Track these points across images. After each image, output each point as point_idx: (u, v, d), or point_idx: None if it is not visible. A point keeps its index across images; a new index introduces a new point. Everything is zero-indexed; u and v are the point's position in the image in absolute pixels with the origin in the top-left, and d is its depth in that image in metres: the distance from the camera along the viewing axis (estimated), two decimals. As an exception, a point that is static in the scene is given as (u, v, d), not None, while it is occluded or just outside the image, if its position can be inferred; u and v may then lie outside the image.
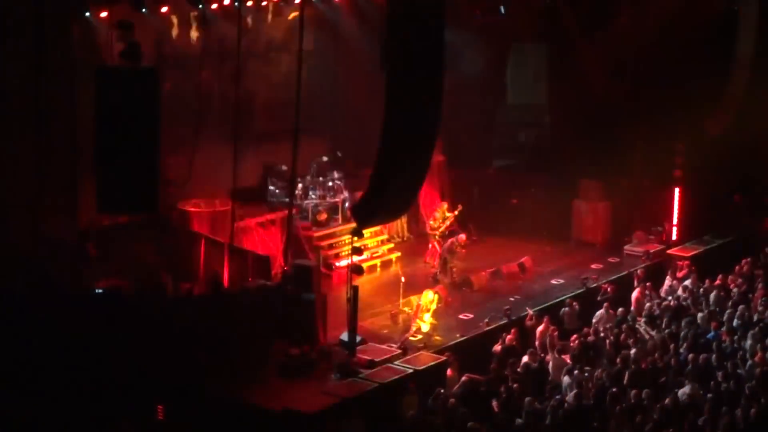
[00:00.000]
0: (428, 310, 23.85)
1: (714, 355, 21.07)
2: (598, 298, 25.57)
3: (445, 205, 29.18)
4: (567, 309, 25.02)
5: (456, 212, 28.64)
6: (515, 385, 20.05)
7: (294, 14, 27.92)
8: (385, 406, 20.34)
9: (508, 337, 22.90)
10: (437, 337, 23.61)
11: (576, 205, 31.57)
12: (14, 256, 21.61)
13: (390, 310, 24.96)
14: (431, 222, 28.85)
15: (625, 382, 20.20)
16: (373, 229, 28.38)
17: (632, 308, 24.89)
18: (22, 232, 22.14)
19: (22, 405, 20.04)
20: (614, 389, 19.50)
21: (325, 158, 29.89)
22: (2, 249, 21.46)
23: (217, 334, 21.47)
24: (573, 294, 26.23)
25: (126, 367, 20.50)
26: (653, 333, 23.00)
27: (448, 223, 28.59)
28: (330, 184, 29.10)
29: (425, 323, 23.70)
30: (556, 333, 23.18)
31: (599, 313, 24.39)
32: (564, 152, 31.89)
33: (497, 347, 22.66)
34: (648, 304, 24.80)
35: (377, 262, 28.79)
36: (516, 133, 34.46)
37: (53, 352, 20.55)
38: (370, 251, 28.47)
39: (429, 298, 24.02)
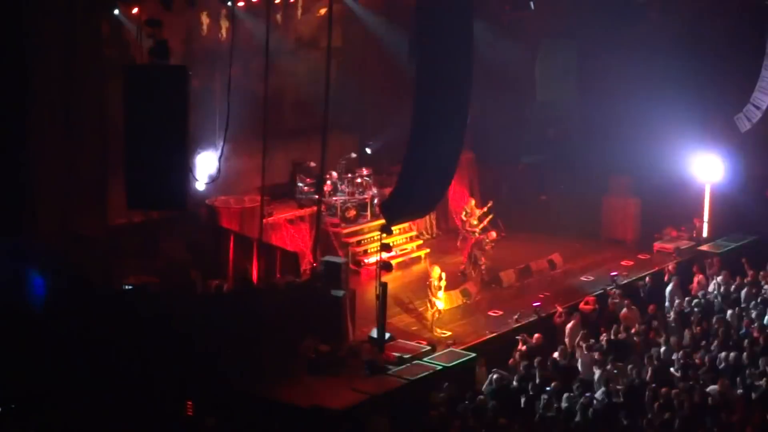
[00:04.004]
0: (440, 288, 23.98)
1: (745, 353, 20.94)
2: (642, 294, 25.62)
3: (473, 201, 29.14)
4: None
5: (486, 209, 28.56)
6: (544, 382, 20.02)
7: (323, 10, 27.92)
8: (414, 402, 20.28)
9: (535, 336, 22.74)
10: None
11: (605, 201, 31.42)
12: (44, 253, 21.68)
13: (418, 307, 24.99)
14: (471, 220, 28.46)
15: (655, 378, 20.11)
16: (401, 226, 28.33)
17: (666, 303, 24.83)
18: (52, 228, 22.23)
19: (48, 400, 20.14)
20: (650, 385, 19.43)
21: (353, 155, 29.86)
22: (32, 246, 21.54)
23: (246, 330, 21.48)
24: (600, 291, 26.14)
25: (155, 363, 20.55)
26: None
27: (486, 221, 28.36)
28: (359, 180, 29.05)
29: (440, 300, 23.85)
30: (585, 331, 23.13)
31: (623, 311, 24.26)
32: (593, 148, 31.73)
33: (522, 347, 22.47)
34: (678, 301, 24.68)
35: (406, 258, 28.73)
36: (545, 129, 34.31)
37: (82, 348, 20.63)
38: (398, 248, 28.42)
39: (436, 273, 24.21)
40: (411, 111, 21.99)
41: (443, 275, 24.40)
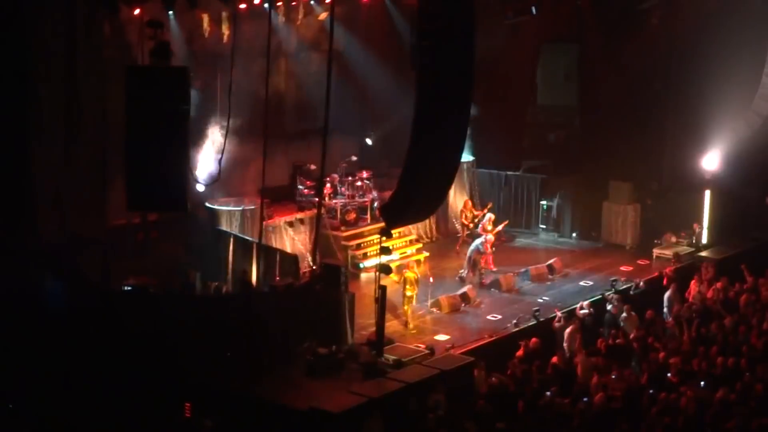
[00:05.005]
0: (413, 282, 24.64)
1: (743, 359, 20.94)
2: (631, 292, 25.67)
3: (470, 203, 29.14)
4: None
5: (486, 210, 28.53)
6: (543, 386, 20.02)
7: (324, 14, 27.92)
8: (412, 405, 20.26)
9: (533, 340, 22.74)
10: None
11: (605, 206, 31.42)
12: (43, 253, 21.68)
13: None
14: (486, 225, 28.33)
15: (653, 384, 20.12)
16: (401, 229, 28.33)
17: (664, 309, 24.84)
18: (51, 228, 22.22)
19: (47, 401, 20.14)
20: (648, 391, 19.42)
21: (354, 158, 29.88)
22: (32, 245, 21.54)
23: (244, 332, 21.47)
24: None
25: (153, 365, 20.55)
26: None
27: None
28: (359, 184, 29.06)
29: (410, 291, 24.43)
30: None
31: (622, 316, 24.25)
32: (594, 153, 31.79)
33: (520, 352, 22.46)
34: (676, 307, 24.69)
35: (406, 262, 28.68)
36: (546, 134, 34.33)
37: (81, 348, 20.63)
38: (398, 251, 28.40)
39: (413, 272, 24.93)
40: (412, 114, 22.01)
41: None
